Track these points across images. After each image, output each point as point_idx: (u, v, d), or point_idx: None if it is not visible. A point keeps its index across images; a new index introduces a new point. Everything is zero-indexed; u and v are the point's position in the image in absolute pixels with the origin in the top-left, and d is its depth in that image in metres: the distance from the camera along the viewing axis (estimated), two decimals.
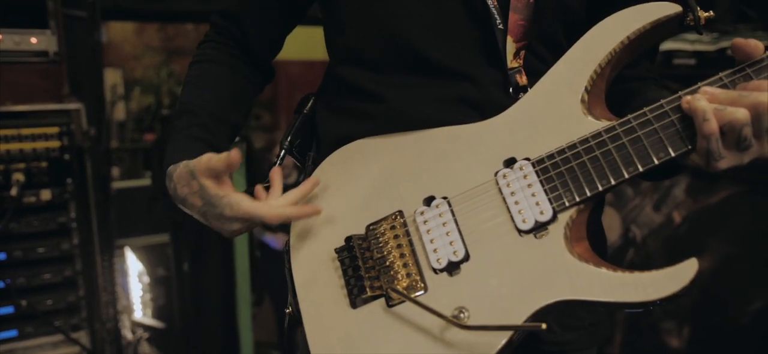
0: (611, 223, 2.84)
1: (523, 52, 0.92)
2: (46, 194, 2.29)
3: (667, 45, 2.52)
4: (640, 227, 2.76)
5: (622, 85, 1.00)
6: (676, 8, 0.85)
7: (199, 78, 1.07)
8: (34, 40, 2.28)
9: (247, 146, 2.95)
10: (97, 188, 2.41)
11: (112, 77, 6.17)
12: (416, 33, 0.92)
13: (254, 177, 2.99)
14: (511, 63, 0.91)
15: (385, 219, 0.92)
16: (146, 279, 3.51)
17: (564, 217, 0.85)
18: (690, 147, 0.81)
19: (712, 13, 0.86)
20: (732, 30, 2.42)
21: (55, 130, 2.30)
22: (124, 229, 3.30)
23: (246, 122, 1.12)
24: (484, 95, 0.91)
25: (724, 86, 0.82)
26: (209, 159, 0.90)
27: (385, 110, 0.94)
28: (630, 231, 2.80)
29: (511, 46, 0.90)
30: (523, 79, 0.92)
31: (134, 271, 3.47)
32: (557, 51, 0.90)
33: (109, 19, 3.67)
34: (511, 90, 0.92)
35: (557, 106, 0.88)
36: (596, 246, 0.87)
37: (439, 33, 0.92)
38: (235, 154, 0.87)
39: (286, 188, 0.96)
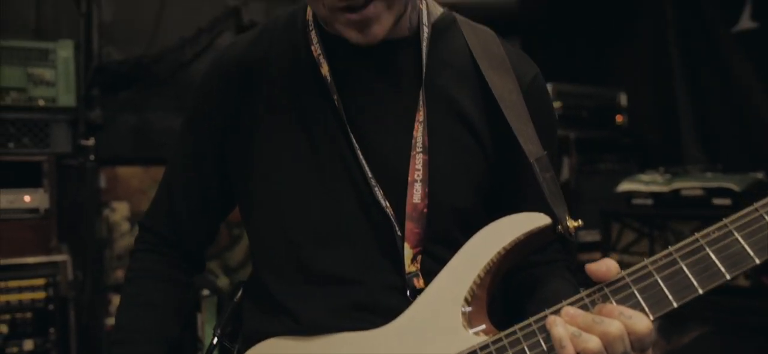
0: None
1: (419, 257, 0.95)
2: (28, 344, 2.37)
3: (625, 186, 2.64)
4: None
5: (529, 270, 1.03)
6: (546, 220, 0.90)
7: (137, 297, 1.08)
8: (27, 198, 2.45)
9: (217, 299, 3.02)
10: (80, 337, 2.49)
11: (120, 210, 6.37)
12: (312, 245, 0.96)
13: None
14: (409, 268, 0.94)
15: None
16: None
17: None
18: None
19: (580, 221, 0.92)
20: (682, 172, 2.55)
21: (41, 281, 2.41)
22: None
23: (182, 329, 1.12)
24: (383, 301, 0.94)
25: (584, 306, 0.84)
26: None
27: (291, 315, 0.97)
28: None
29: (408, 252, 0.94)
30: (420, 283, 0.95)
31: None
32: (455, 247, 0.93)
33: (107, 166, 3.90)
34: (408, 293, 0.94)
35: (440, 317, 0.90)
36: None
37: (337, 243, 0.95)
38: None
39: None
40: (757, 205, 0.80)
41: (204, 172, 1.07)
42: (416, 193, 0.95)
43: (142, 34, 3.67)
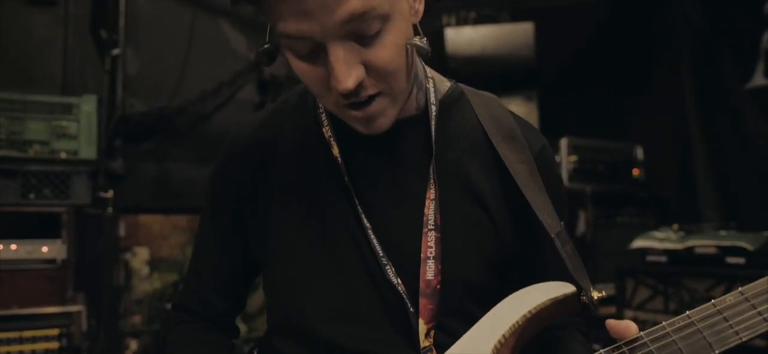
0: None
1: (433, 332, 0.96)
2: None
3: (639, 243, 2.61)
4: None
5: (549, 333, 1.04)
6: (572, 288, 0.92)
7: (183, 348, 1.09)
8: (45, 248, 2.51)
9: None
10: None
11: (141, 255, 6.46)
12: (325, 322, 0.97)
13: None
14: (423, 343, 0.95)
15: None
16: None
17: None
18: None
19: (603, 292, 0.94)
20: (696, 230, 2.52)
21: (55, 332, 2.45)
22: None
23: None
24: None
25: None
26: None
27: None
28: None
29: (422, 327, 0.95)
30: None
31: None
32: (469, 320, 0.94)
33: (128, 214, 3.99)
34: None
35: None
36: None
37: (350, 320, 0.96)
38: None
39: None
40: None
41: (227, 253, 1.09)
42: (429, 270, 0.95)
43: (165, 87, 3.79)
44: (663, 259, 2.47)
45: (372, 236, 0.96)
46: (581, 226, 3.41)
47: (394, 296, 0.95)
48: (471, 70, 3.82)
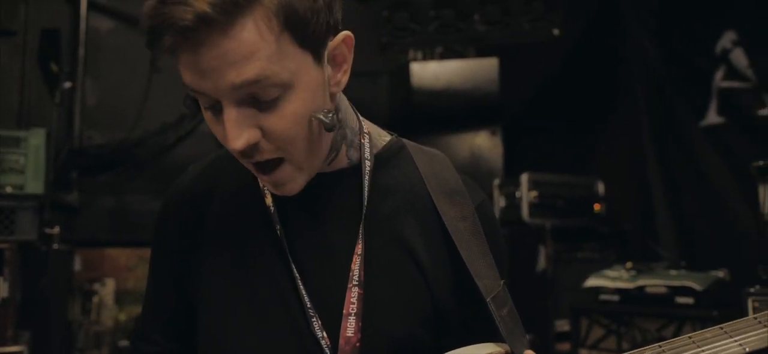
0: None
1: None
2: None
3: (592, 282, 2.62)
4: None
5: None
6: (505, 348, 0.92)
7: None
8: None
9: None
10: None
11: (109, 286, 6.33)
12: None
13: None
14: None
15: None
16: None
17: None
18: None
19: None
20: (647, 268, 2.54)
21: None
22: None
23: None
24: None
25: None
26: None
27: None
28: None
29: None
30: None
31: None
32: None
33: (85, 248, 3.91)
34: None
35: None
36: None
37: None
38: None
39: None
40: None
41: (169, 300, 1.09)
42: (350, 327, 0.94)
43: (125, 118, 3.75)
44: (615, 298, 2.47)
45: (301, 288, 0.95)
46: (541, 262, 3.41)
47: (319, 351, 0.93)
48: (436, 105, 3.85)
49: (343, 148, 0.99)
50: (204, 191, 1.05)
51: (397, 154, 1.05)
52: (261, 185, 0.99)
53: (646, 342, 2.29)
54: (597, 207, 3.72)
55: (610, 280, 2.50)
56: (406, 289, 0.97)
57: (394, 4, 3.47)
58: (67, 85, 2.83)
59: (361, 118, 1.04)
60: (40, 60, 2.92)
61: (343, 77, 0.92)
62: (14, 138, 2.60)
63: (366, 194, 0.98)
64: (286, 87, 0.82)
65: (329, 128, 0.88)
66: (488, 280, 0.94)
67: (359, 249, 0.96)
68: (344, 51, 0.90)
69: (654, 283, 2.36)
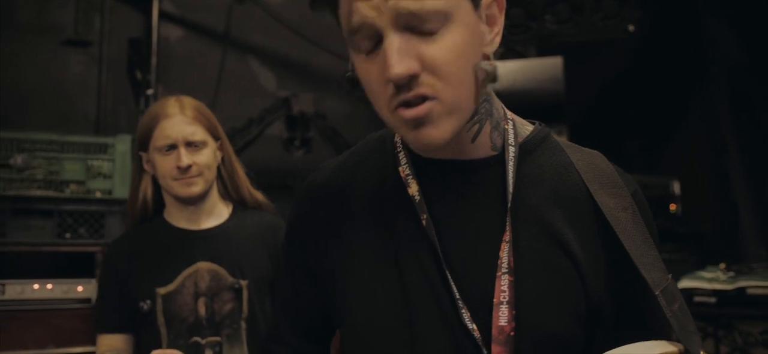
0: None
1: None
2: None
3: (685, 283, 2.53)
4: None
5: None
6: (679, 347, 0.84)
7: None
8: (80, 288, 2.49)
9: None
10: None
11: None
12: None
13: None
14: None
15: None
16: None
17: None
18: None
19: None
20: (747, 270, 2.43)
21: None
22: None
23: None
24: None
25: None
26: None
27: None
28: None
29: None
30: None
31: None
32: None
33: None
34: None
35: None
36: None
37: None
38: None
39: None
40: None
41: (302, 304, 1.10)
42: (502, 316, 0.91)
43: None
44: (712, 299, 2.38)
45: (450, 279, 0.93)
46: None
47: (469, 341, 0.91)
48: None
49: (488, 128, 0.97)
50: (343, 187, 1.04)
51: (541, 143, 1.01)
52: (403, 175, 0.98)
53: (748, 346, 2.20)
54: (672, 207, 3.61)
55: (706, 281, 2.41)
56: (559, 282, 0.93)
57: None
58: (150, 92, 2.88)
59: (502, 105, 1.01)
60: (128, 68, 2.98)
61: (496, 38, 0.91)
62: (102, 144, 2.65)
63: (511, 181, 0.96)
64: (447, 18, 0.83)
65: (492, 78, 0.88)
66: (656, 273, 0.88)
67: (507, 236, 0.93)
68: (495, 12, 0.90)
69: (756, 285, 2.26)
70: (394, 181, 1.00)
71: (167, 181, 1.65)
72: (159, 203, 1.76)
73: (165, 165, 1.65)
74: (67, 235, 2.56)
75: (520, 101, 4.19)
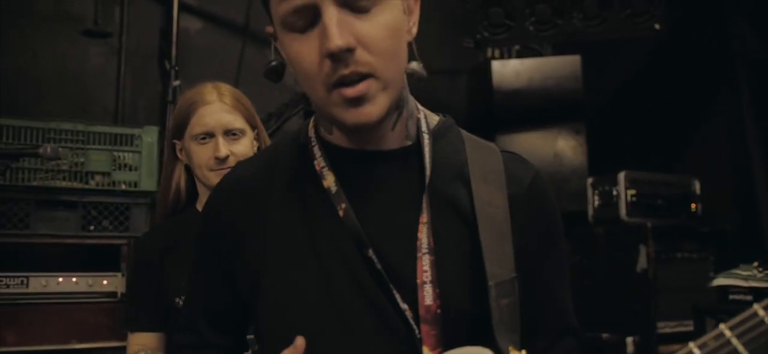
0: None
1: None
2: None
3: (721, 281, 2.50)
4: None
5: None
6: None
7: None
8: (105, 282, 2.45)
9: None
10: None
11: None
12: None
13: None
14: None
15: None
16: None
17: None
18: None
19: (524, 352, 0.91)
20: None
21: None
22: None
23: None
24: None
25: None
26: None
27: None
28: None
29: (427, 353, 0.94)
30: None
31: None
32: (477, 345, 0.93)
33: None
34: None
35: None
36: None
37: (354, 350, 0.95)
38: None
39: None
40: None
41: (215, 297, 1.10)
42: (427, 295, 0.94)
43: None
44: (749, 298, 2.36)
45: (377, 263, 0.95)
46: (642, 261, 3.30)
47: (403, 322, 0.94)
48: (517, 103, 3.77)
49: (404, 117, 1.01)
50: (258, 183, 1.05)
51: (448, 131, 1.07)
52: (318, 168, 1.00)
53: None
54: (693, 206, 3.60)
55: (743, 279, 2.39)
56: (473, 260, 0.97)
57: (489, 0, 3.40)
58: (176, 83, 2.84)
59: (412, 97, 1.06)
60: (159, 59, 2.95)
61: (414, 28, 0.97)
62: (128, 135, 2.61)
63: (428, 165, 1.00)
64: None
65: (419, 76, 0.96)
66: (499, 268, 0.95)
67: (424, 218, 0.97)
68: (412, 3, 0.96)
69: None
70: (310, 175, 1.01)
71: (203, 170, 1.61)
72: (191, 193, 1.72)
73: (202, 154, 1.61)
74: (91, 228, 2.52)
75: (538, 99, 4.16)
